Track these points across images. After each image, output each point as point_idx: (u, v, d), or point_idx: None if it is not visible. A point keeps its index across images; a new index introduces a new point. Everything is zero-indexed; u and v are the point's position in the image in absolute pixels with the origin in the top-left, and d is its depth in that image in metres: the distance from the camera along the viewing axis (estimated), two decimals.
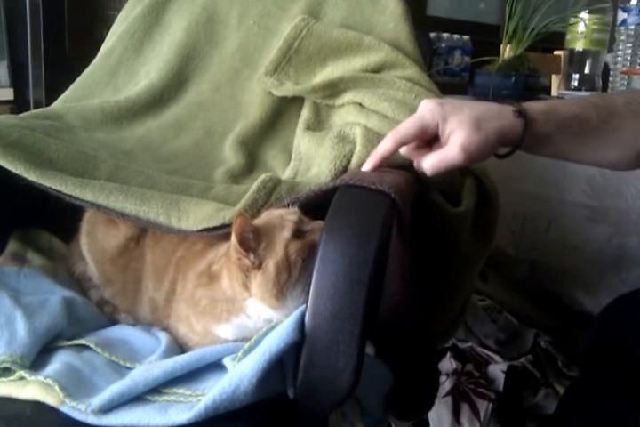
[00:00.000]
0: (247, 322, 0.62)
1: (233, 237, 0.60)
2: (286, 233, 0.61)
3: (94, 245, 0.78)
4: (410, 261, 0.72)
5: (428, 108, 0.63)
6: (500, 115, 0.62)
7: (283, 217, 0.63)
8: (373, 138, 0.73)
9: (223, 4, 1.03)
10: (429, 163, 0.62)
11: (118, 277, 0.76)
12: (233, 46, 1.00)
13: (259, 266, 0.60)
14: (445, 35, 1.72)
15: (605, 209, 1.13)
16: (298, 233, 0.62)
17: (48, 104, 0.99)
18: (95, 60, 1.01)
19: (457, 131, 0.61)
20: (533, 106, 0.64)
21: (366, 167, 0.66)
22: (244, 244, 0.60)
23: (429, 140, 0.64)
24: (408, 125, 0.63)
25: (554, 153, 0.67)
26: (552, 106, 0.65)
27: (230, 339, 0.63)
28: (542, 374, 1.15)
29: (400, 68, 0.93)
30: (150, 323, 0.73)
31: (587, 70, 1.43)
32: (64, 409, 0.54)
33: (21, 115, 0.87)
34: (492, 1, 2.07)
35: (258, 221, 0.63)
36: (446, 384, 1.12)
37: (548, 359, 1.18)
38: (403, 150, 0.66)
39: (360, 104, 0.87)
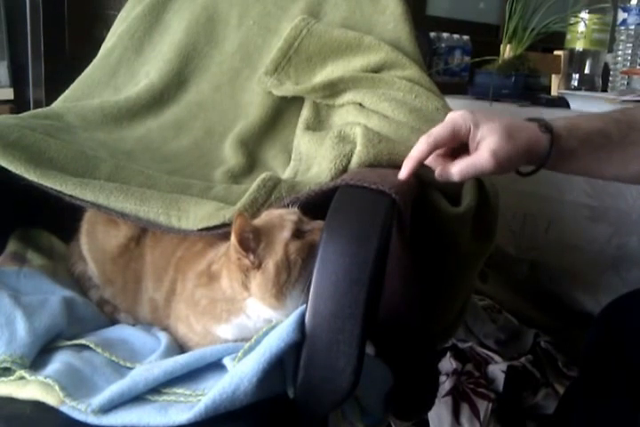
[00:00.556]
0: (247, 322, 0.62)
1: (233, 237, 0.59)
2: (286, 233, 0.61)
3: (94, 244, 0.78)
4: (410, 261, 0.72)
5: (458, 114, 0.63)
6: (527, 128, 0.63)
7: (282, 217, 0.63)
8: (374, 138, 0.73)
9: (223, 4, 1.03)
10: (458, 168, 0.63)
11: (118, 276, 0.76)
12: (233, 46, 1.00)
13: (258, 266, 0.60)
14: (445, 34, 1.72)
15: (605, 209, 1.13)
16: (298, 233, 0.62)
17: (48, 104, 0.99)
18: (95, 60, 1.01)
19: (488, 137, 0.61)
20: (556, 121, 0.65)
21: (403, 174, 0.65)
22: (244, 244, 0.60)
23: (455, 149, 0.65)
24: (441, 129, 0.63)
25: (577, 169, 0.67)
26: (573, 122, 0.66)
27: (230, 339, 0.63)
28: (542, 374, 1.15)
29: (400, 68, 0.93)
30: (150, 323, 0.73)
31: (587, 70, 1.43)
32: (64, 409, 0.54)
33: (21, 115, 0.87)
34: (491, 1, 2.07)
35: (257, 222, 0.63)
36: (446, 384, 1.12)
37: (547, 359, 1.18)
38: (427, 161, 0.66)
39: (360, 104, 0.87)
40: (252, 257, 0.60)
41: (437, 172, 0.65)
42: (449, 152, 0.65)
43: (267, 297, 0.60)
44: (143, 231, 0.75)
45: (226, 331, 0.63)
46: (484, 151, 0.61)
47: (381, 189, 0.59)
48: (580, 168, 0.67)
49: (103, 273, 0.77)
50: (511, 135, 0.61)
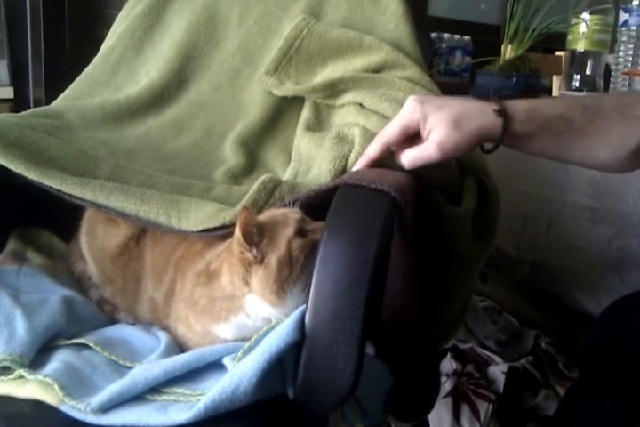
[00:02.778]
0: (246, 321, 0.62)
1: (237, 231, 0.59)
2: (289, 230, 0.61)
3: (94, 244, 0.78)
4: (410, 262, 0.72)
5: (408, 110, 0.66)
6: (481, 113, 0.64)
7: (286, 215, 0.63)
8: (371, 138, 0.73)
9: (224, 3, 1.03)
10: (407, 158, 0.66)
11: (118, 276, 0.75)
12: (233, 46, 1.00)
13: (260, 261, 0.60)
14: (446, 35, 1.72)
15: (606, 210, 1.12)
16: (300, 231, 0.62)
17: (48, 103, 0.99)
18: (95, 59, 1.01)
19: (435, 128, 0.63)
20: (516, 104, 0.65)
21: (356, 168, 0.69)
22: (248, 238, 0.59)
23: (412, 136, 0.67)
24: (391, 130, 0.67)
25: (537, 151, 0.68)
26: (535, 105, 0.66)
27: (229, 339, 0.63)
28: (543, 376, 1.15)
29: (401, 69, 0.92)
30: (150, 322, 0.72)
31: (588, 71, 1.43)
32: (63, 408, 0.54)
33: (21, 113, 0.87)
34: (493, 1, 2.07)
35: (261, 217, 0.63)
36: (446, 385, 1.12)
37: (548, 360, 1.18)
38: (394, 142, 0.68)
39: (360, 104, 0.87)
40: (254, 251, 0.60)
41: (395, 159, 0.68)
42: (407, 139, 0.67)
43: (267, 293, 0.60)
44: (143, 231, 0.75)
45: (225, 330, 0.63)
46: (430, 142, 0.64)
47: (381, 188, 0.59)
48: (541, 151, 0.68)
49: (103, 272, 0.77)
50: (458, 125, 0.63)
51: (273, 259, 0.60)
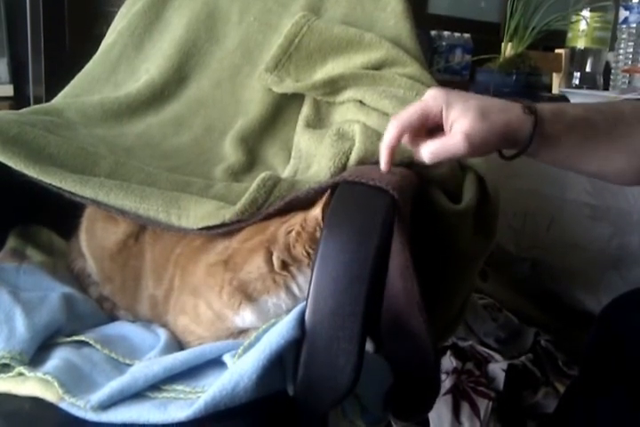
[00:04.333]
0: (278, 302, 0.63)
1: (318, 210, 0.60)
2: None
3: (93, 242, 0.78)
4: (410, 259, 0.72)
5: (430, 95, 0.60)
6: (508, 109, 0.59)
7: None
8: (372, 135, 0.73)
9: (224, 0, 1.03)
10: (429, 150, 0.59)
11: (117, 274, 0.75)
12: (233, 43, 1.00)
13: (308, 264, 0.61)
14: (446, 33, 1.72)
15: (607, 208, 1.12)
16: None
17: (48, 100, 0.99)
18: (95, 57, 1.01)
19: (461, 118, 0.57)
20: (542, 105, 0.61)
21: (383, 166, 0.62)
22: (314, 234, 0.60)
23: (431, 128, 0.61)
24: (410, 110, 0.60)
25: (561, 159, 0.64)
26: (559, 107, 0.63)
27: (244, 326, 0.63)
28: (542, 373, 1.15)
29: (401, 66, 0.92)
30: (150, 319, 0.72)
31: (588, 68, 1.42)
32: (63, 405, 0.54)
33: (21, 111, 0.86)
34: None
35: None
36: (446, 383, 1.12)
37: (548, 358, 1.18)
38: (403, 139, 0.63)
39: (360, 101, 0.87)
40: (312, 252, 0.60)
41: (414, 154, 0.62)
42: (425, 131, 0.61)
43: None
44: (142, 228, 0.75)
45: (248, 314, 0.63)
46: (456, 133, 0.57)
47: (379, 185, 0.58)
48: (564, 158, 0.64)
49: (102, 270, 0.77)
50: (486, 116, 0.57)
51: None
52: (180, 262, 0.70)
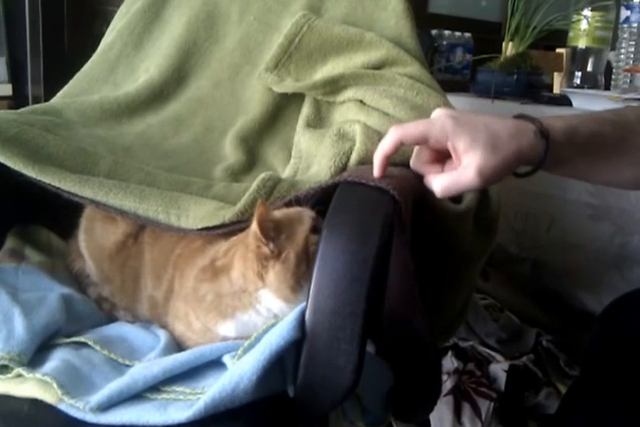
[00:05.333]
0: (253, 318, 0.62)
1: (254, 225, 0.59)
2: (306, 226, 0.61)
3: (93, 242, 0.77)
4: (410, 259, 0.72)
5: (437, 122, 0.58)
6: (520, 134, 0.58)
7: (300, 212, 0.63)
8: (373, 135, 0.73)
9: None
10: (440, 184, 0.58)
11: (116, 274, 0.75)
12: (233, 42, 1.00)
13: (278, 255, 0.60)
14: (447, 32, 1.72)
15: (608, 208, 1.12)
16: (314, 229, 0.62)
17: (47, 100, 0.98)
18: (94, 56, 1.01)
19: (471, 151, 0.56)
20: (554, 125, 0.60)
21: (376, 172, 0.61)
22: (265, 232, 0.59)
23: (441, 155, 0.60)
24: (412, 126, 0.59)
25: (572, 173, 0.64)
26: (571, 124, 0.61)
27: (231, 336, 0.63)
28: (544, 374, 1.15)
29: (401, 65, 0.92)
30: (149, 320, 0.72)
31: (589, 68, 1.42)
32: (62, 407, 0.54)
33: (20, 110, 0.86)
34: None
35: (277, 213, 0.63)
36: (447, 383, 1.12)
37: (549, 359, 1.18)
38: (413, 164, 0.63)
39: (361, 101, 0.87)
40: (271, 246, 0.59)
41: (424, 180, 0.61)
42: (436, 158, 0.61)
43: (283, 288, 0.59)
44: (141, 228, 0.74)
45: (228, 328, 0.63)
46: (468, 169, 0.56)
47: (379, 185, 0.58)
48: (575, 173, 0.64)
49: (101, 271, 0.77)
50: (496, 147, 0.56)
51: (292, 253, 0.59)
52: (178, 264, 0.69)
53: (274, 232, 0.60)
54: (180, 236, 0.71)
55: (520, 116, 0.62)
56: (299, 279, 0.59)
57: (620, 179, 0.65)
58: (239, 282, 0.62)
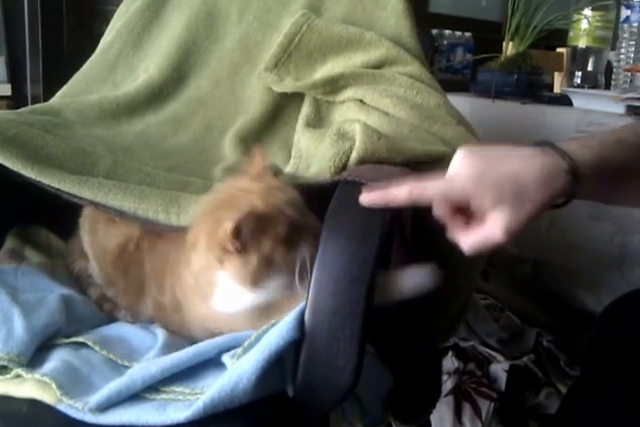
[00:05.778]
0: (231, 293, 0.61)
1: (229, 223, 0.56)
2: (280, 230, 0.59)
3: (96, 244, 0.77)
4: (411, 259, 0.72)
5: (459, 180, 0.54)
6: (550, 180, 0.54)
7: (282, 210, 0.60)
8: (373, 134, 0.73)
9: None
10: (469, 243, 0.55)
11: (120, 277, 0.74)
12: (233, 42, 1.00)
13: (240, 251, 0.57)
14: (447, 32, 1.71)
15: (608, 207, 1.12)
16: (292, 228, 0.59)
17: (46, 100, 0.98)
18: (93, 56, 1.01)
19: (497, 208, 0.53)
20: (582, 159, 0.55)
21: (365, 198, 0.57)
22: (235, 231, 0.56)
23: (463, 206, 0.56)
24: (431, 187, 0.55)
25: (597, 200, 0.64)
26: (602, 156, 0.57)
27: (232, 311, 0.61)
28: (544, 374, 1.15)
29: (401, 65, 0.92)
30: (151, 319, 0.72)
31: (589, 68, 1.42)
32: (61, 407, 0.54)
33: (19, 110, 0.86)
34: None
35: (261, 207, 0.59)
36: (448, 383, 1.12)
37: (550, 359, 1.18)
38: (438, 213, 0.56)
39: (361, 100, 0.87)
40: (237, 244, 0.57)
41: (451, 235, 0.57)
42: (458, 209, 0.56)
43: (240, 281, 0.59)
44: (142, 233, 0.73)
45: (221, 304, 0.62)
46: (495, 228, 0.53)
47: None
48: (600, 200, 0.64)
49: (105, 273, 0.76)
50: (523, 202, 0.53)
51: (254, 257, 0.58)
52: (174, 269, 0.68)
53: (248, 228, 0.57)
54: (172, 240, 0.70)
55: (544, 144, 0.58)
56: (257, 280, 0.58)
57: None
58: (203, 259, 0.61)
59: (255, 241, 0.58)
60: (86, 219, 0.78)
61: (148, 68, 0.98)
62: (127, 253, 0.73)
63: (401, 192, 0.56)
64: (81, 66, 1.00)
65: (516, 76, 1.36)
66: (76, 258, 0.80)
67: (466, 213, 0.56)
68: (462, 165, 0.55)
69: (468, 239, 0.55)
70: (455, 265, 0.79)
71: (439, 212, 0.56)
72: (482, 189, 0.54)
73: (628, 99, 1.13)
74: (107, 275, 0.76)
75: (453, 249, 0.76)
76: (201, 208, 0.64)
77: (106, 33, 1.05)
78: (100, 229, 0.76)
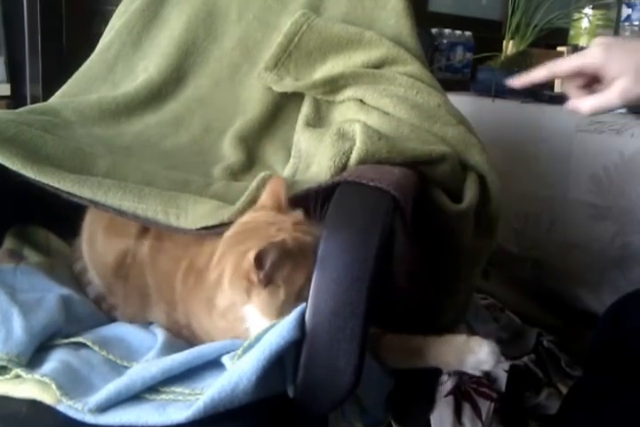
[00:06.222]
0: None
1: (252, 253, 0.55)
2: (311, 266, 0.55)
3: (94, 254, 0.76)
4: (412, 259, 0.71)
5: (592, 56, 0.66)
6: None
7: (312, 246, 0.58)
8: (373, 135, 0.72)
9: None
10: (589, 105, 0.67)
11: (120, 288, 0.73)
12: (232, 41, 0.99)
13: (266, 284, 0.57)
14: (447, 31, 1.71)
15: (609, 207, 1.12)
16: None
17: (45, 100, 0.98)
18: (93, 55, 1.00)
19: (619, 78, 0.64)
20: None
21: (514, 82, 0.74)
22: (260, 262, 0.56)
23: (591, 80, 0.68)
24: (565, 65, 0.68)
25: None
26: None
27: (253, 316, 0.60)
28: (545, 374, 1.15)
29: (401, 64, 0.92)
30: (162, 325, 0.70)
31: None
32: (61, 408, 0.54)
33: (18, 110, 0.86)
34: None
35: (290, 242, 0.58)
36: (448, 384, 1.11)
37: (550, 359, 1.17)
38: (563, 87, 0.72)
39: (361, 100, 0.86)
40: (261, 275, 0.57)
41: (570, 104, 0.70)
42: (586, 83, 0.69)
43: (267, 314, 0.58)
44: (137, 242, 0.72)
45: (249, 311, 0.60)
46: (613, 93, 0.64)
47: (379, 186, 0.58)
48: None
49: (106, 284, 0.75)
50: None
51: (282, 291, 0.57)
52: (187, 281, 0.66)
53: (271, 258, 0.56)
54: (174, 249, 0.69)
55: None
56: (284, 311, 0.57)
57: None
58: (230, 292, 0.60)
59: (285, 275, 0.58)
60: (86, 226, 0.77)
61: (148, 67, 0.97)
62: (125, 266, 0.72)
63: (541, 71, 0.70)
64: (80, 66, 0.99)
65: (516, 75, 1.36)
66: (79, 257, 0.80)
67: (591, 87, 0.68)
68: (596, 44, 0.67)
69: (589, 102, 0.67)
70: (456, 264, 0.79)
71: (569, 84, 0.70)
72: (610, 58, 0.65)
73: None
74: (107, 285, 0.75)
75: (455, 248, 0.77)
76: (224, 242, 0.63)
77: (105, 33, 1.04)
78: (98, 240, 0.75)
